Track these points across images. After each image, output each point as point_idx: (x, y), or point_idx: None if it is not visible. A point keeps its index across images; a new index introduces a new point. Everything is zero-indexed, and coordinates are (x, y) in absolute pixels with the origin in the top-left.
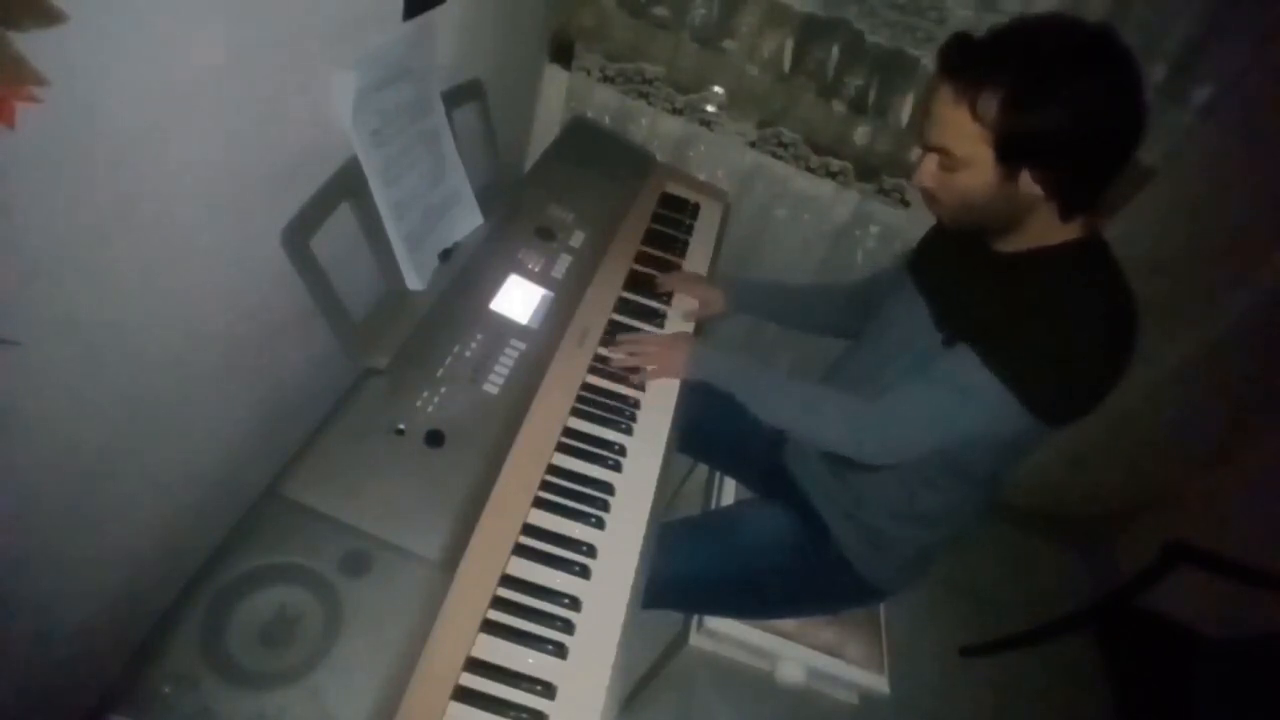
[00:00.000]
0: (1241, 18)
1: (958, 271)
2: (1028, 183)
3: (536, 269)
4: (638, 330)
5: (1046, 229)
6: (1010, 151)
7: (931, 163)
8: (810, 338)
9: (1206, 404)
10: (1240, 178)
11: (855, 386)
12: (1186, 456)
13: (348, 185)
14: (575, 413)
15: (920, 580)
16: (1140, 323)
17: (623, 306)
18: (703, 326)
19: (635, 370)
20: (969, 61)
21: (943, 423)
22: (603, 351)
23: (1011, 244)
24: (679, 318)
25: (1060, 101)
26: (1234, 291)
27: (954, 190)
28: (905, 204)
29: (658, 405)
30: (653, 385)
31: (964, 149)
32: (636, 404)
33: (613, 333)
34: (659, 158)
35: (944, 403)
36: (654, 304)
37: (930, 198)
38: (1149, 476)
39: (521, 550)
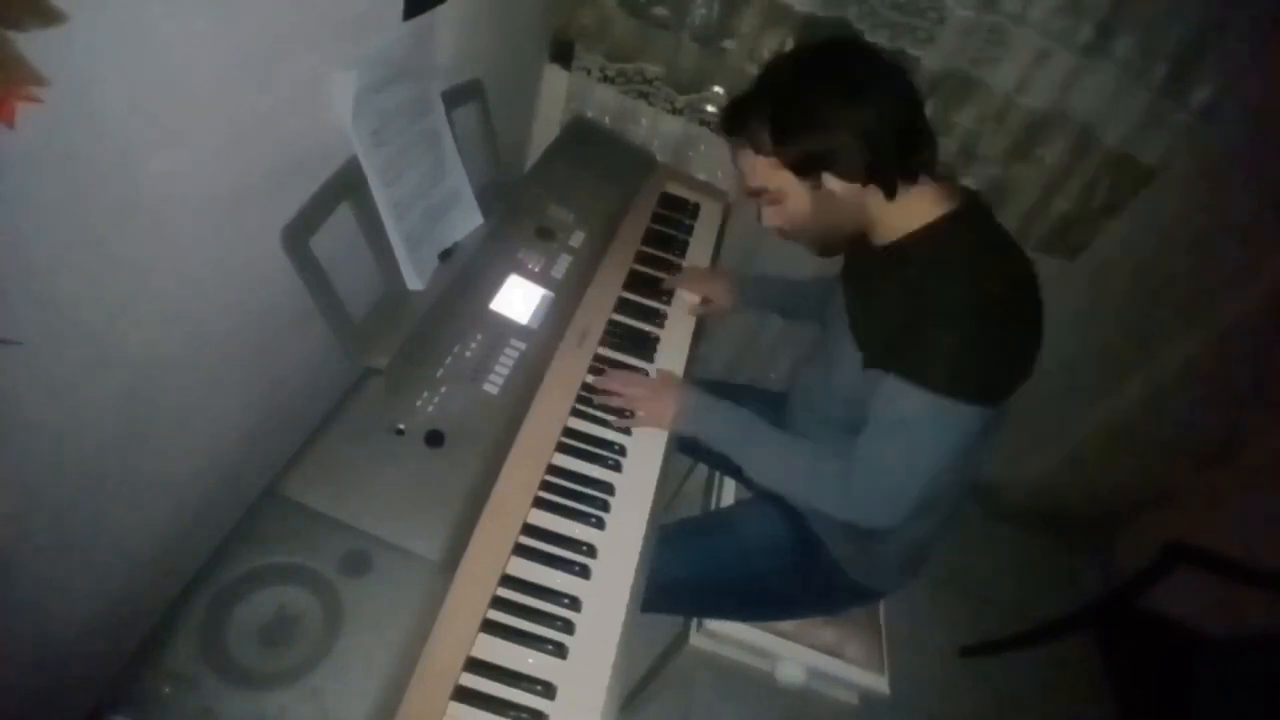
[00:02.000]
0: (1241, 18)
1: (861, 277)
2: (835, 184)
3: (536, 269)
4: (637, 324)
5: (898, 212)
6: (801, 170)
7: (763, 206)
8: (810, 339)
9: (1206, 404)
10: (1240, 178)
11: (809, 393)
12: (1186, 456)
13: (348, 185)
14: (575, 413)
15: (916, 578)
16: (1032, 268)
17: (623, 306)
18: (704, 323)
19: (620, 413)
20: (737, 115)
21: (919, 463)
22: (589, 380)
23: (881, 237)
24: (680, 317)
25: (812, 116)
26: (1234, 291)
27: (791, 219)
28: None
29: None
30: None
31: (773, 183)
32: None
33: (613, 333)
34: (659, 158)
35: (907, 445)
36: (654, 304)
37: (783, 235)
38: (1149, 476)
39: (521, 550)
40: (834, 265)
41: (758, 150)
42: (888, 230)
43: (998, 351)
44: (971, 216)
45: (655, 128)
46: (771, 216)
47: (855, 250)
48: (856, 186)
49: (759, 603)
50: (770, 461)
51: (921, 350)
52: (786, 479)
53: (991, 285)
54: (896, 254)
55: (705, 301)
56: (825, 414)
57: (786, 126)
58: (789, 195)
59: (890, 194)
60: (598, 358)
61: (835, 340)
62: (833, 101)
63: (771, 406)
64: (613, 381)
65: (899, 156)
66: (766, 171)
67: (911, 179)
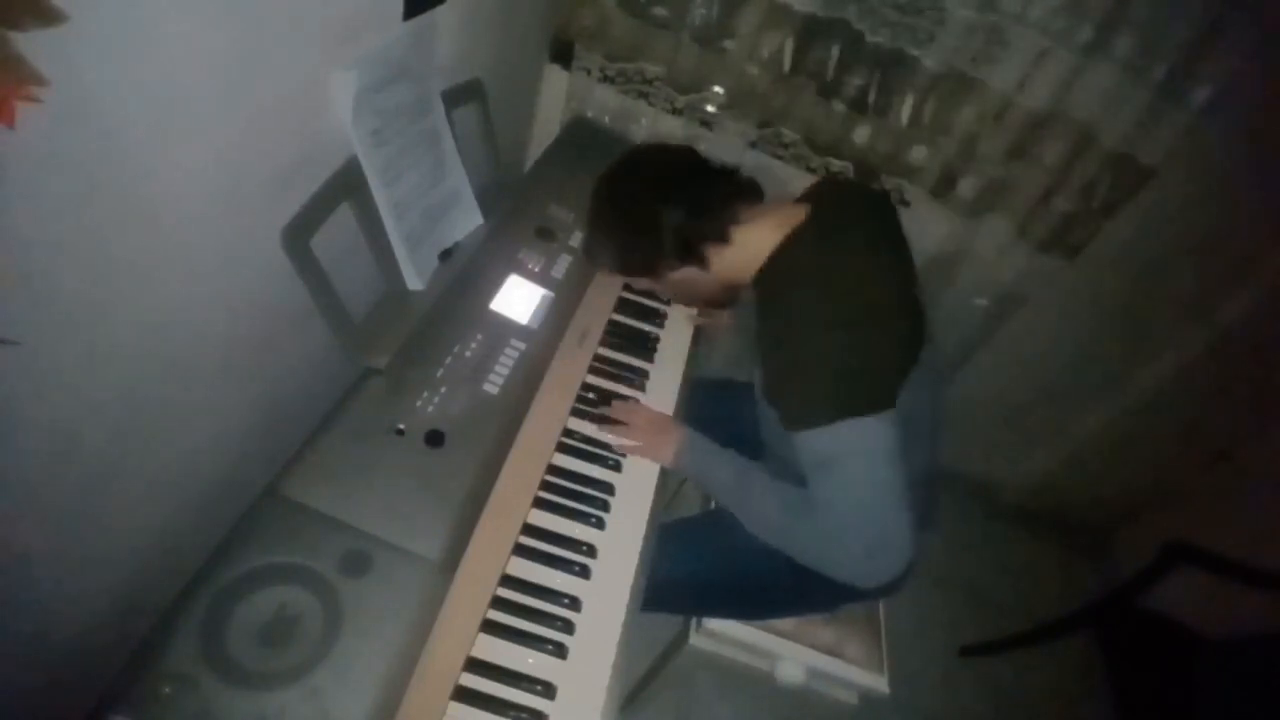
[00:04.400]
0: (1241, 18)
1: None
2: (667, 267)
3: (536, 269)
4: (637, 324)
5: (742, 252)
6: (630, 274)
7: (676, 300)
8: None
9: (1206, 404)
10: (1240, 177)
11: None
12: (1186, 456)
13: (348, 185)
14: (575, 413)
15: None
16: (881, 247)
17: (623, 306)
18: (700, 334)
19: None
20: (589, 255)
21: (864, 494)
22: (581, 408)
23: (746, 277)
24: (679, 318)
25: (605, 238)
26: (1234, 291)
27: (685, 299)
28: (905, 204)
29: (658, 405)
30: (653, 384)
31: (639, 285)
32: (637, 404)
33: (613, 333)
34: None
35: (842, 481)
36: (654, 304)
37: (698, 306)
38: (1149, 476)
39: (521, 550)
40: None
41: (610, 271)
42: (746, 269)
43: (865, 357)
44: (812, 226)
45: (655, 128)
46: (674, 299)
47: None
48: (683, 263)
49: (759, 602)
50: (766, 519)
51: (794, 391)
52: (782, 538)
53: (839, 292)
54: (760, 288)
55: (703, 312)
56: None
57: (599, 256)
58: (665, 288)
59: (703, 261)
60: (598, 358)
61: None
62: (624, 223)
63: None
64: (618, 411)
65: (705, 224)
66: (636, 281)
67: (723, 233)
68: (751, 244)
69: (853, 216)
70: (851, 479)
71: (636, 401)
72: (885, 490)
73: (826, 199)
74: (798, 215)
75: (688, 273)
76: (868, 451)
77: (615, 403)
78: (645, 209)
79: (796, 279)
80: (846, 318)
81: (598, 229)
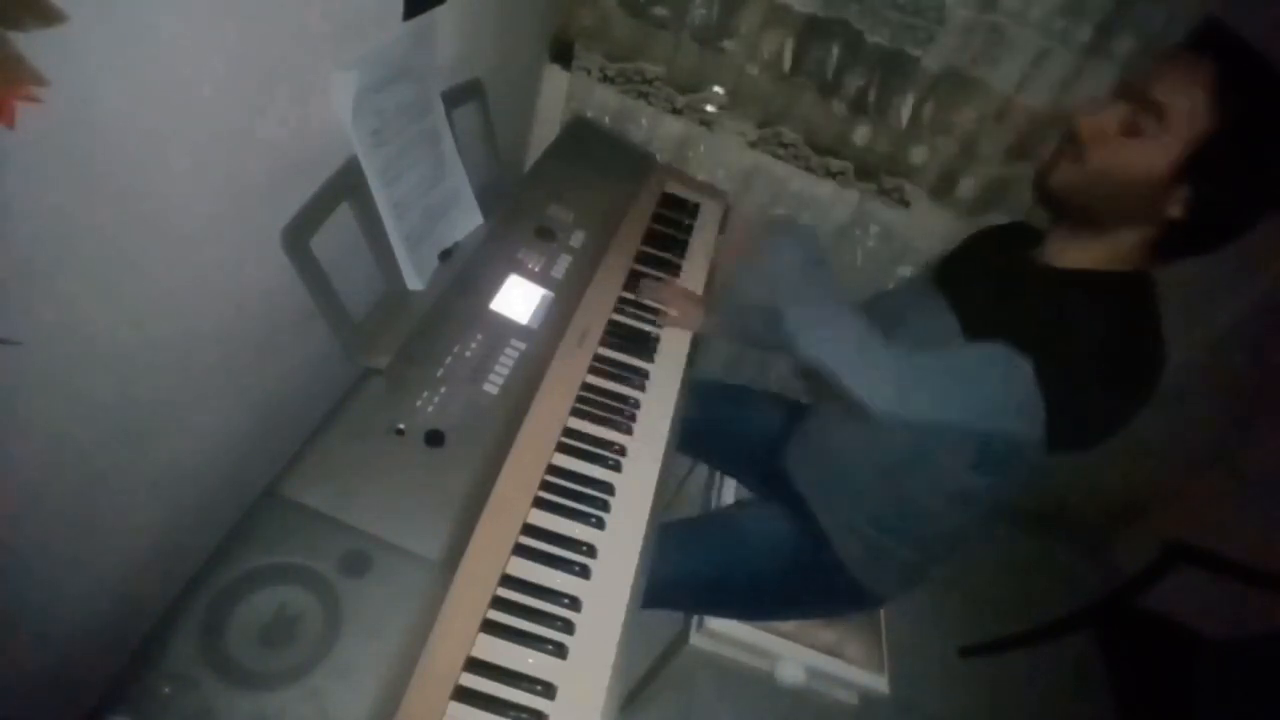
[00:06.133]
0: (1242, 18)
1: (994, 284)
2: (1177, 200)
3: (536, 269)
4: (637, 324)
5: (1121, 252)
6: (1208, 159)
7: (1117, 115)
8: None
9: (1206, 404)
10: None
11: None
12: (1186, 456)
13: (348, 185)
14: (575, 413)
15: (915, 588)
16: (1164, 369)
17: (623, 306)
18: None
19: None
20: (1251, 62)
21: (963, 393)
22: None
23: (1069, 256)
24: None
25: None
26: (1234, 291)
27: (1113, 154)
28: (905, 204)
29: (658, 405)
30: (652, 384)
31: (1172, 127)
32: (636, 404)
33: (613, 333)
34: (659, 158)
35: (978, 372)
36: (654, 304)
37: (1077, 152)
38: (1149, 476)
39: (521, 550)
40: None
41: (1214, 100)
42: (1090, 253)
43: (1102, 414)
44: (1150, 288)
45: (655, 128)
46: (1107, 132)
47: (1004, 255)
48: (1175, 219)
49: (759, 602)
50: (814, 322)
51: (1053, 357)
52: (832, 342)
53: (1139, 362)
54: (1070, 280)
55: (666, 314)
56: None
57: (1270, 131)
58: (1153, 148)
59: (1162, 255)
60: (598, 358)
61: (921, 340)
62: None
63: (771, 408)
64: (645, 293)
65: (1222, 243)
66: (1185, 117)
67: (1182, 258)
68: (1114, 248)
69: (1159, 316)
70: (977, 395)
71: (665, 280)
72: (968, 406)
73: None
74: (1132, 263)
75: (1165, 203)
76: (1009, 417)
77: (643, 281)
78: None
79: (1135, 313)
80: (1137, 387)
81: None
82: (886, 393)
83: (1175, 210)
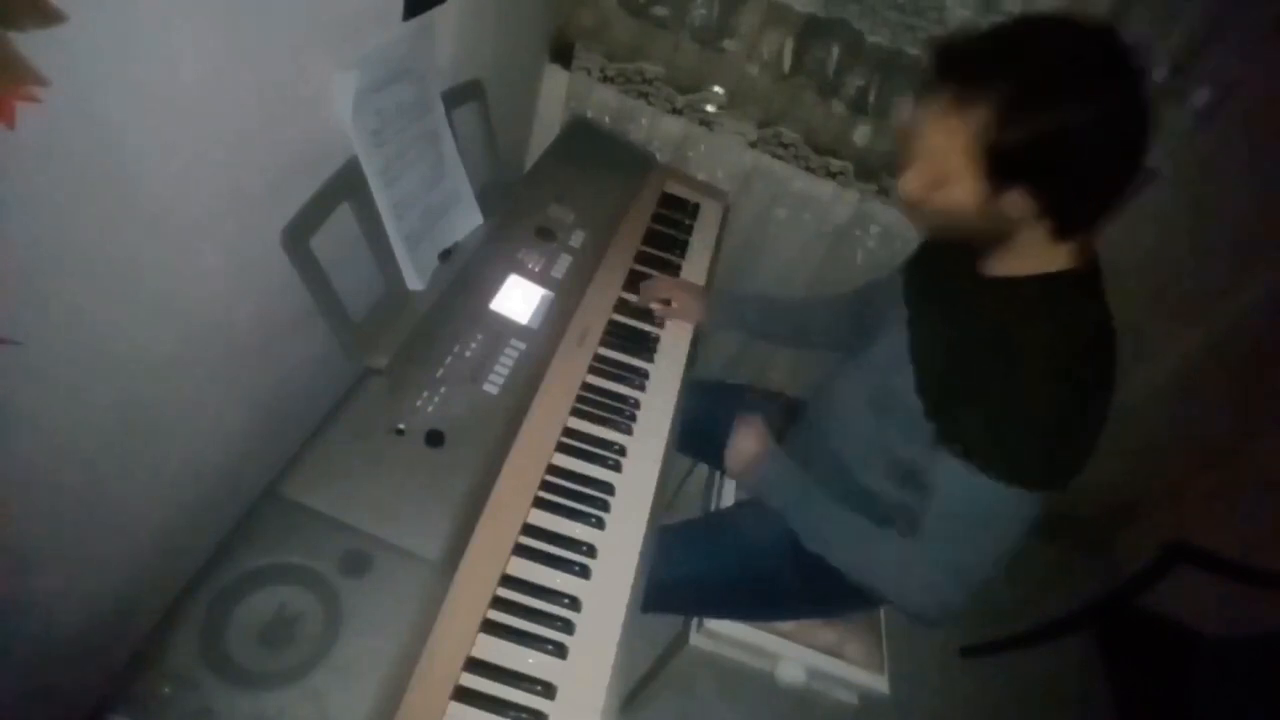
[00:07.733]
0: (1241, 18)
1: (940, 305)
2: (1015, 203)
3: (536, 269)
4: (637, 324)
5: (1040, 251)
6: (1001, 166)
7: (914, 173)
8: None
9: (1206, 404)
10: (1240, 179)
11: (838, 409)
12: (1186, 456)
13: (348, 185)
14: (575, 413)
15: None
16: (1117, 358)
17: (623, 306)
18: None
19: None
20: (965, 64)
21: (986, 547)
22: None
23: (999, 265)
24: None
25: (1064, 111)
26: (1234, 291)
27: (935, 204)
28: None
29: (658, 405)
30: (653, 384)
31: (948, 162)
32: (636, 404)
33: (613, 333)
34: (659, 158)
35: (977, 531)
36: (654, 300)
37: (910, 209)
38: (1149, 476)
39: (521, 550)
40: (833, 273)
41: (964, 122)
42: (1013, 261)
43: (1070, 438)
44: (1091, 283)
45: (655, 128)
46: (916, 190)
47: (945, 269)
48: (1033, 214)
49: (759, 603)
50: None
51: (993, 430)
52: (869, 575)
53: (1081, 365)
54: (1001, 290)
55: (665, 303)
56: (865, 469)
57: (1028, 119)
58: (957, 185)
59: (1062, 238)
60: (598, 358)
61: (885, 368)
62: (1101, 121)
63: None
64: (646, 294)
65: (1106, 206)
66: (954, 150)
67: (1088, 229)
68: (1046, 250)
69: (1106, 304)
70: (985, 533)
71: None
72: (994, 552)
73: (1097, 264)
74: (1080, 258)
75: (1009, 211)
76: (1024, 519)
77: (643, 285)
78: (1131, 129)
79: (1058, 324)
80: (1082, 402)
81: (1063, 90)
82: (930, 608)
83: (1027, 211)
